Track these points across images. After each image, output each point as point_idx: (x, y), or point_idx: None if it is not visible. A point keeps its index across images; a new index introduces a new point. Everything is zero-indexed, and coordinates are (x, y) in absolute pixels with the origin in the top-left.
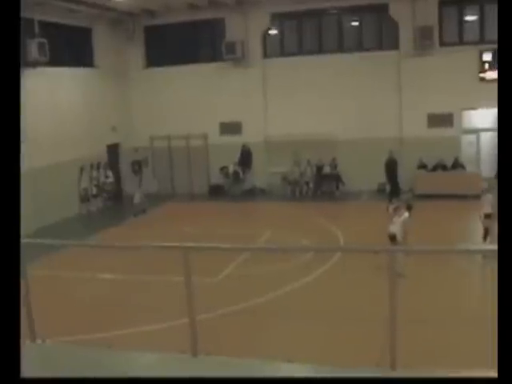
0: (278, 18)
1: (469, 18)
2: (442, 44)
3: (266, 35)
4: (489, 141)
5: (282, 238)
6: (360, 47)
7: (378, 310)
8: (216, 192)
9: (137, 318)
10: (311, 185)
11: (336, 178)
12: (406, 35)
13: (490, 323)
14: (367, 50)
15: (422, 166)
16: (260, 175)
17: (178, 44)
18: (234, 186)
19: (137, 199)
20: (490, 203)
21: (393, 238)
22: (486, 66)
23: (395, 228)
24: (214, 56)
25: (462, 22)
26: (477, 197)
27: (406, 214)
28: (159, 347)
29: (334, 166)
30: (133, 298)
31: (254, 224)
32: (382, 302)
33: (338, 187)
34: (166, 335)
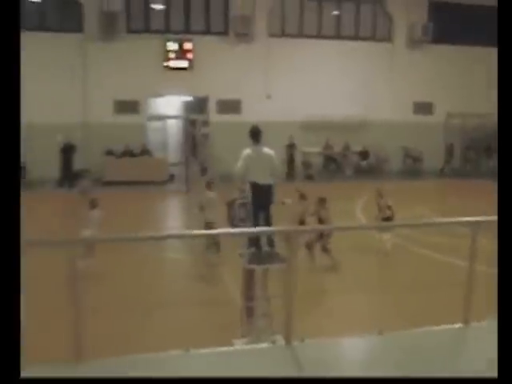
0: None
1: (155, 6)
2: (129, 31)
3: None
4: (174, 127)
5: None
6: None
7: None
8: None
9: None
10: None
11: None
12: (90, 19)
13: None
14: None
15: (110, 153)
16: None
17: None
18: None
19: None
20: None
21: None
22: (170, 54)
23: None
24: None
25: (148, 10)
26: (164, 183)
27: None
28: None
29: None
30: None
31: None
32: None
33: None
34: None
